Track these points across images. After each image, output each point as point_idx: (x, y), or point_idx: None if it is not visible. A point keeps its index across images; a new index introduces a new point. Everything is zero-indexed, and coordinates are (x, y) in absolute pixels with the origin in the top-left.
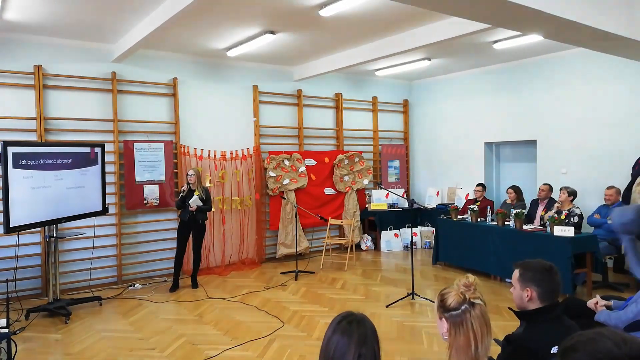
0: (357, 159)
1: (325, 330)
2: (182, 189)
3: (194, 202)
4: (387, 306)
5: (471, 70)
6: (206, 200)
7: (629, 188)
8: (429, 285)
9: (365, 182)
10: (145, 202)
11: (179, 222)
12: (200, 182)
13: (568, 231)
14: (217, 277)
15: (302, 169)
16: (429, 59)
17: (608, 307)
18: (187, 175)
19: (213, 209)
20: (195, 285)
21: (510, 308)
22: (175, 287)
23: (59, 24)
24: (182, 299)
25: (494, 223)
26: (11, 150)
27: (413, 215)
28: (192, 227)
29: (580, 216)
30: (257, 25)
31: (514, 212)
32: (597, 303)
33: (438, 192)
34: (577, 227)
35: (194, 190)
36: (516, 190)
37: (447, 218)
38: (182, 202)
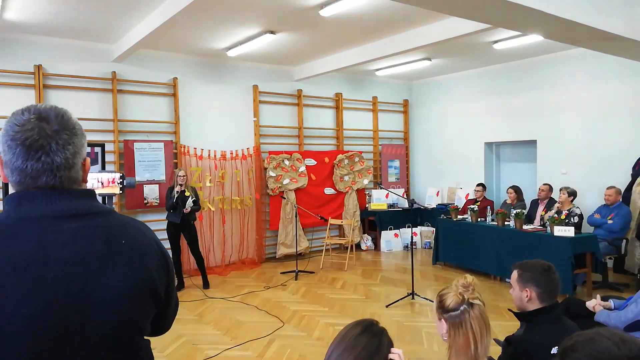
0: (357, 159)
1: (325, 329)
2: (176, 190)
3: (189, 204)
4: (387, 306)
5: (471, 70)
6: (196, 200)
7: (629, 188)
8: (429, 285)
9: (365, 182)
10: (146, 201)
11: (168, 224)
12: (187, 182)
13: (568, 231)
14: (217, 276)
15: (302, 168)
16: (429, 59)
17: (607, 308)
18: (178, 176)
19: (213, 208)
20: (207, 285)
21: (510, 310)
22: (180, 287)
23: (59, 23)
24: (182, 299)
25: (494, 223)
26: None
27: (413, 215)
28: (186, 228)
29: (580, 216)
30: (257, 25)
31: (514, 212)
32: (594, 306)
33: (438, 192)
34: (577, 227)
35: (184, 191)
36: (516, 190)
37: (447, 218)
38: (176, 203)
